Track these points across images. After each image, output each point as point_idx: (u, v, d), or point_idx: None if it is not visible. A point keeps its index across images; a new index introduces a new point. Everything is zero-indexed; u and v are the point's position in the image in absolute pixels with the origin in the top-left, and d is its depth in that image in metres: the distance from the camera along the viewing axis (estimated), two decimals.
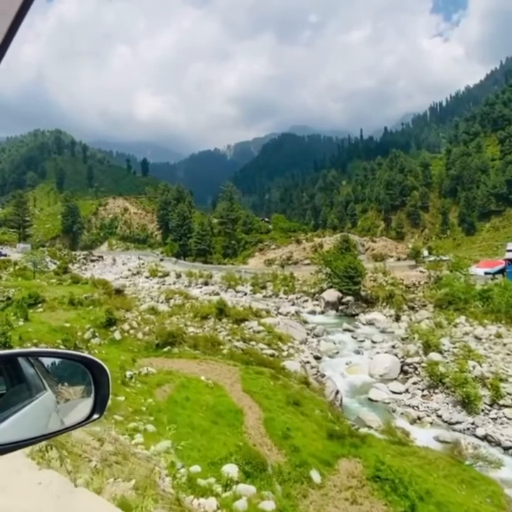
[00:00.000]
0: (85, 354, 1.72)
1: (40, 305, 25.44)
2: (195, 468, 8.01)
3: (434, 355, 25.44)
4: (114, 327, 22.55)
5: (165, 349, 20.79)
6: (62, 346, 16.62)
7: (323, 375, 21.90)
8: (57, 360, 1.83)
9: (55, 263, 62.34)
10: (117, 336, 21.79)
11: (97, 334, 20.85)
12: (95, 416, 1.62)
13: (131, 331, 23.19)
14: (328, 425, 12.38)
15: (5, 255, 62.41)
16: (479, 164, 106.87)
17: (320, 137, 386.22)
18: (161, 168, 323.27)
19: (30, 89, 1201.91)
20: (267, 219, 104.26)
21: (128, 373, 14.37)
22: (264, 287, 56.95)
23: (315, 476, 9.23)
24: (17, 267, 46.85)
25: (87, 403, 1.65)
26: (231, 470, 8.23)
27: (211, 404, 12.58)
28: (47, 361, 1.80)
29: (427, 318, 35.06)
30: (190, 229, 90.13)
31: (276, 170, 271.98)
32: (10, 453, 1.28)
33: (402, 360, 26.72)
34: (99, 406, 1.63)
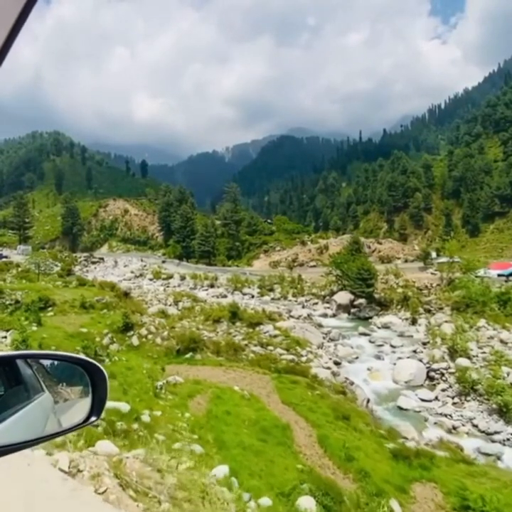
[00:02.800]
0: (83, 357, 1.67)
1: (50, 308, 24.23)
2: (265, 500, 6.91)
3: (462, 361, 24.41)
4: (132, 332, 21.35)
5: (187, 355, 19.61)
6: (82, 353, 15.48)
7: (352, 383, 20.78)
8: (55, 363, 1.81)
9: (56, 265, 60.96)
10: (135, 341, 20.56)
11: (114, 340, 19.67)
12: (93, 418, 1.60)
13: (149, 336, 21.99)
14: (385, 442, 11.27)
15: (6, 257, 61.11)
16: (482, 166, 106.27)
17: (318, 139, 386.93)
18: (159, 170, 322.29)
19: (28, 91, 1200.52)
20: (269, 221, 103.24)
21: (157, 384, 13.22)
22: (271, 289, 55.80)
23: (395, 506, 8.12)
24: (20, 269, 45.56)
25: (85, 406, 1.61)
26: (308, 503, 7.13)
27: (253, 419, 11.44)
28: (45, 363, 1.79)
29: (446, 321, 34.05)
30: (194, 230, 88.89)
31: (275, 172, 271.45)
32: (7, 455, 1.23)
33: (427, 365, 25.65)
34: (97, 408, 1.60)
